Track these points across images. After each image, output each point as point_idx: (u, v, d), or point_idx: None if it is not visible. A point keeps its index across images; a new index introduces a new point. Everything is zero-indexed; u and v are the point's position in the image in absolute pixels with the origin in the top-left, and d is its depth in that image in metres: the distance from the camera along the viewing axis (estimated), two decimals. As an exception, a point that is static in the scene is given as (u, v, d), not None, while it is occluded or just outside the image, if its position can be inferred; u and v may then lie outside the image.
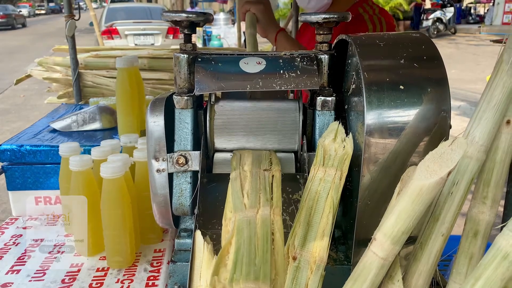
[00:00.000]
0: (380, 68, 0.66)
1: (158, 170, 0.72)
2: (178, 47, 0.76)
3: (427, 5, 15.18)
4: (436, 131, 0.62)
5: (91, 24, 6.29)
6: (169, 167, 0.73)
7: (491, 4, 14.85)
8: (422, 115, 0.62)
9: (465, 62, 9.06)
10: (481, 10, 16.71)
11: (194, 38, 0.78)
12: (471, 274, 0.51)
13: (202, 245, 0.62)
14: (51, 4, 41.28)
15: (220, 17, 11.19)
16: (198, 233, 0.64)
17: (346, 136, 0.68)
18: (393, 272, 0.57)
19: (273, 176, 0.69)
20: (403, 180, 0.56)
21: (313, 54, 0.74)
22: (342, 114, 0.75)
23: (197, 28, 0.78)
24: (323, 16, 0.71)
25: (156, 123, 0.70)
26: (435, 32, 13.20)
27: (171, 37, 8.54)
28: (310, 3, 1.45)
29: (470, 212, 0.59)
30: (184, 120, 0.74)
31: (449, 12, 13.80)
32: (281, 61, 0.73)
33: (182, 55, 0.72)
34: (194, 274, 0.62)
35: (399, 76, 0.64)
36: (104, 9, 10.04)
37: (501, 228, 0.50)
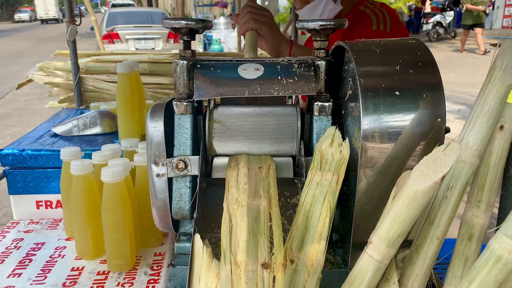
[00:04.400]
0: (376, 74, 0.67)
1: (158, 175, 0.73)
2: (178, 51, 0.77)
3: (427, 9, 15.22)
4: (431, 136, 0.63)
5: (92, 28, 6.33)
6: (168, 172, 0.74)
7: (491, 8, 14.89)
8: (417, 120, 0.63)
9: (465, 65, 9.07)
10: (481, 14, 16.74)
11: (194, 42, 0.79)
12: (465, 276, 0.52)
13: (202, 248, 0.63)
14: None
15: (221, 21, 11.23)
16: (197, 237, 0.65)
17: (343, 141, 0.69)
18: (389, 274, 0.58)
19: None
20: (398, 185, 0.57)
21: (310, 60, 0.75)
22: (339, 119, 0.76)
23: (197, 33, 0.79)
24: (320, 23, 0.73)
25: (156, 128, 0.72)
26: (435, 36, 13.22)
27: (172, 42, 8.58)
28: (322, 15, 1.42)
29: (465, 216, 0.60)
30: (184, 126, 0.75)
31: (449, 16, 13.82)
32: (279, 67, 0.74)
33: (181, 61, 0.74)
34: (194, 277, 0.62)
35: (394, 82, 0.65)
36: (105, 14, 10.09)
37: (496, 231, 0.51)
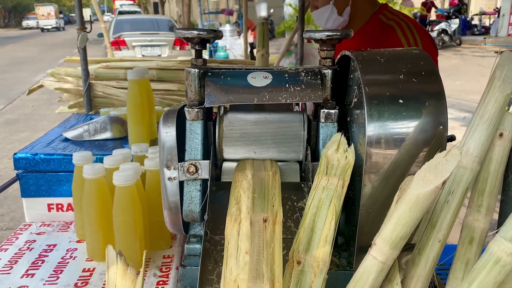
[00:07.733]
0: (381, 82, 0.70)
1: (169, 178, 0.76)
2: (185, 58, 0.80)
3: (432, 16, 15.25)
4: (434, 142, 0.66)
5: (99, 35, 6.41)
6: (180, 176, 0.76)
7: (496, 15, 14.88)
8: (420, 128, 0.65)
9: (470, 73, 9.07)
10: (486, 21, 16.74)
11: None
12: (466, 278, 0.54)
13: (115, 258, 0.63)
14: (60, 16, 42.00)
15: (226, 28, 11.30)
16: (110, 248, 0.65)
17: (348, 147, 0.72)
18: (392, 276, 0.60)
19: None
20: (402, 189, 0.60)
21: (317, 69, 0.78)
22: (344, 126, 0.79)
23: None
24: (327, 33, 0.75)
25: (168, 133, 0.74)
26: (440, 44, 13.21)
27: (178, 48, 8.65)
28: (327, 24, 1.49)
29: (466, 220, 0.62)
30: (195, 131, 0.78)
31: (454, 23, 13.84)
32: (286, 75, 0.77)
33: (193, 69, 0.77)
34: (109, 285, 0.62)
35: (398, 91, 0.68)
36: (112, 21, 10.20)
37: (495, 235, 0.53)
